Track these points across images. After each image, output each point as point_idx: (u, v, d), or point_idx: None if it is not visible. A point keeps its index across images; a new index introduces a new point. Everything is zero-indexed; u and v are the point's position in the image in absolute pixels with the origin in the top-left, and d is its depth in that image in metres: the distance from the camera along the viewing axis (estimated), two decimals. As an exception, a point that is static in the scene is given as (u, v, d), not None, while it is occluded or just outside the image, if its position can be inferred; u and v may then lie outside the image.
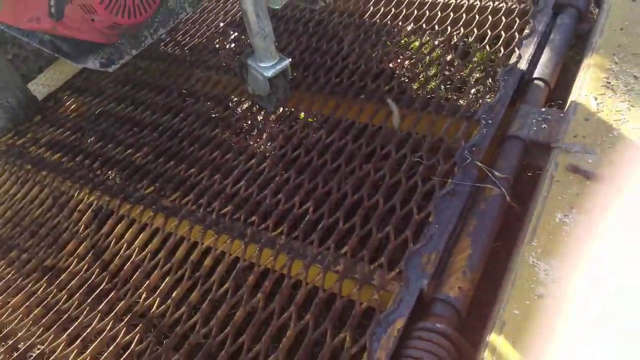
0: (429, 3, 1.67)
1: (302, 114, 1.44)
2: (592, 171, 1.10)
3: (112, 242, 1.22)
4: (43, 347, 1.03)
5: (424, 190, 1.14)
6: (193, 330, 0.99)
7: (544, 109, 1.29)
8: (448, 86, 1.49)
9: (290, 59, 1.29)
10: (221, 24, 1.91)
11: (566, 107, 1.28)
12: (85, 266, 1.18)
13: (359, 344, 0.89)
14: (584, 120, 1.22)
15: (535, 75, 1.38)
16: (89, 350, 0.98)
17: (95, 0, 1.14)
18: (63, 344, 1.01)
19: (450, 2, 1.66)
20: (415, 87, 1.45)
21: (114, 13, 1.19)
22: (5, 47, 1.81)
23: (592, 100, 1.27)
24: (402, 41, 1.68)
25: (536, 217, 1.03)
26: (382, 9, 1.73)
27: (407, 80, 1.49)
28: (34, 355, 1.03)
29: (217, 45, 1.83)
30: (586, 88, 1.29)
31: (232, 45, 1.80)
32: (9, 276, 1.23)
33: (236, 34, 1.84)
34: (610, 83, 1.30)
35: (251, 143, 1.40)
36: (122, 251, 1.18)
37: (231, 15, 1.92)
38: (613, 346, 0.80)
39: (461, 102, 1.37)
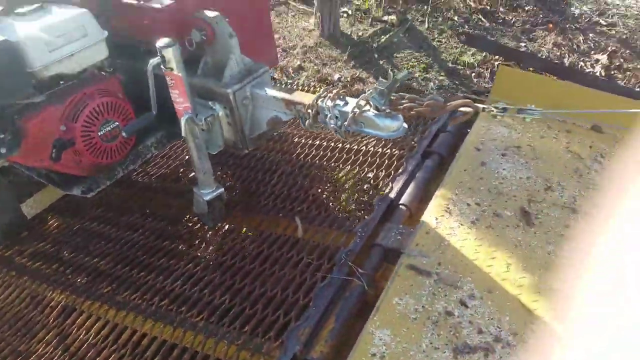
0: (339, 147, 2.30)
1: (234, 228, 1.93)
2: (424, 269, 1.59)
3: (74, 330, 1.58)
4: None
5: (310, 283, 1.59)
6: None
7: (402, 226, 1.82)
8: (343, 206, 2.03)
9: (223, 188, 1.81)
10: (186, 157, 2.45)
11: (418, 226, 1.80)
12: (51, 349, 1.53)
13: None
14: (425, 234, 1.74)
15: (401, 202, 1.93)
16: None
17: (84, 148, 1.68)
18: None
19: (354, 147, 2.30)
20: (316, 209, 1.97)
21: (97, 156, 1.72)
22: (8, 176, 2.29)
23: (433, 219, 1.80)
24: (317, 174, 2.26)
25: (380, 300, 1.48)
26: (307, 149, 2.34)
27: (311, 204, 2.01)
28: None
29: (180, 175, 2.36)
30: (432, 211, 1.83)
31: (191, 175, 2.32)
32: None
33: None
34: (449, 208, 1.85)
35: (191, 251, 1.85)
36: (81, 336, 1.55)
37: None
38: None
39: (347, 222, 1.89)
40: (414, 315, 1.43)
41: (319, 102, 1.55)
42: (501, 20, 3.80)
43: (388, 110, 1.39)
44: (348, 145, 2.33)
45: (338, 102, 1.53)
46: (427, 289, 1.51)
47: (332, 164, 2.24)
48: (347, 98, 1.55)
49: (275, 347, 1.38)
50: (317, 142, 2.39)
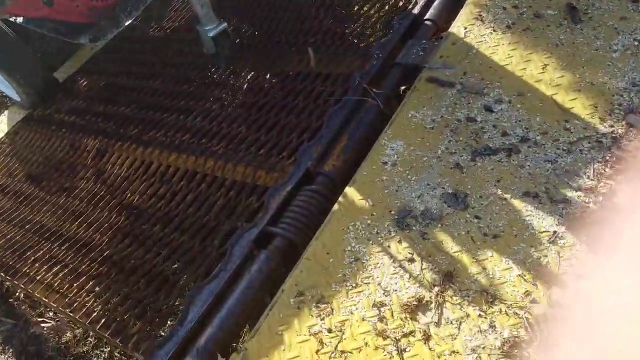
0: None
1: (248, 67, 1.86)
2: (447, 80, 1.45)
3: (109, 167, 1.69)
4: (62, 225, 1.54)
5: (324, 107, 1.53)
6: (161, 210, 1.45)
7: (424, 41, 1.64)
8: (360, 32, 1.86)
9: (226, 23, 1.70)
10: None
11: (443, 38, 1.62)
12: (91, 184, 1.67)
13: (260, 200, 1.30)
14: (451, 45, 1.56)
15: (427, 17, 1.73)
16: (91, 228, 1.46)
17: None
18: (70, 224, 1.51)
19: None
20: (330, 39, 1.82)
21: (89, -2, 1.66)
22: (33, 44, 2.34)
23: (462, 29, 1.61)
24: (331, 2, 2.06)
25: (395, 115, 1.40)
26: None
27: (325, 34, 1.86)
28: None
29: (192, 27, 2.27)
30: (461, 21, 1.63)
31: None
32: (41, 194, 1.74)
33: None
34: (481, 15, 1.63)
35: (208, 92, 1.83)
36: (115, 171, 1.66)
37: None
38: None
39: (365, 44, 1.74)
40: (430, 126, 1.35)
41: None
42: None
43: None
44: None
45: None
46: (448, 100, 1.40)
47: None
48: None
49: (289, 164, 1.38)
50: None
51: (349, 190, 1.24)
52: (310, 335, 1.00)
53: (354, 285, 1.06)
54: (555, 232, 1.05)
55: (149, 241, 1.36)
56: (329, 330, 1.00)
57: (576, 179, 1.15)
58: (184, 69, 2.00)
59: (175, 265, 1.26)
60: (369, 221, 1.17)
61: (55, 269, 1.41)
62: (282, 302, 1.06)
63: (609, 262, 0.96)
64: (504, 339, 0.93)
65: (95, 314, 1.23)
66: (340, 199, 1.23)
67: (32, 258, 1.47)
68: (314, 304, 1.05)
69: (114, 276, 1.31)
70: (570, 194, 1.12)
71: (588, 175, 1.15)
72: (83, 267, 1.37)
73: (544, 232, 1.06)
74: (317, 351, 0.98)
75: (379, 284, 1.06)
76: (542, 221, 1.08)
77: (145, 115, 1.83)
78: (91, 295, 1.28)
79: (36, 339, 1.48)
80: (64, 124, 2.02)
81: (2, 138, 2.13)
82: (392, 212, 1.17)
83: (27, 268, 1.46)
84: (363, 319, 1.01)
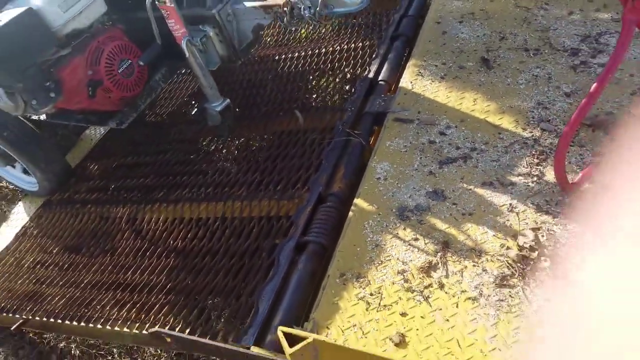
0: (312, 54, 2.61)
1: (245, 134, 2.29)
2: (407, 119, 1.96)
3: (145, 226, 1.98)
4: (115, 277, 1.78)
5: (319, 150, 1.97)
6: (206, 246, 1.75)
7: (383, 95, 2.17)
8: (331, 96, 2.38)
9: (229, 99, 2.15)
10: (185, 97, 2.79)
11: (397, 91, 2.16)
12: (131, 241, 1.93)
13: (289, 221, 1.67)
14: (404, 95, 2.10)
15: (380, 78, 2.28)
16: (146, 272, 1.73)
17: (111, 85, 2.01)
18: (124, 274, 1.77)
19: (328, 49, 2.61)
20: (308, 103, 2.32)
21: (121, 90, 2.05)
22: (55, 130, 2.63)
23: (409, 83, 2.15)
24: (302, 78, 2.59)
25: (376, 146, 1.86)
26: (288, 63, 2.65)
27: (306, 100, 2.36)
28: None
29: (184, 110, 2.69)
30: (407, 78, 2.18)
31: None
32: (84, 260, 1.97)
33: (194, 100, 2.73)
34: (420, 72, 2.20)
35: (216, 154, 2.22)
36: (152, 227, 1.95)
37: (192, 88, 2.82)
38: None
39: (337, 104, 2.25)
40: (404, 150, 1.81)
41: (291, -1, 1.86)
42: None
43: (348, -12, 1.71)
44: (323, 50, 2.64)
45: (306, -6, 1.84)
46: (412, 131, 1.89)
47: (314, 67, 2.56)
48: (312, -10, 1.86)
49: (304, 192, 1.77)
50: (295, 54, 2.70)
51: (358, 201, 1.65)
52: (358, 300, 1.35)
53: (379, 262, 1.44)
54: (510, 203, 1.51)
55: (204, 270, 1.65)
56: (371, 294, 1.35)
57: (516, 169, 1.63)
58: (187, 143, 2.38)
59: (235, 280, 1.56)
60: (378, 219, 1.57)
61: (128, 306, 1.64)
62: (331, 283, 1.40)
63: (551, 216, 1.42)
64: (494, 275, 1.33)
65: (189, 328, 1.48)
66: (352, 207, 1.63)
67: (99, 306, 1.69)
68: (354, 280, 1.40)
69: (183, 299, 1.56)
70: (514, 178, 1.60)
71: (523, 165, 1.64)
72: (152, 300, 1.61)
73: (502, 205, 1.51)
74: (366, 309, 1.32)
75: (398, 258, 1.44)
76: (499, 199, 1.54)
77: (166, 182, 2.16)
78: (176, 318, 1.52)
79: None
80: (88, 201, 2.28)
81: (26, 224, 2.34)
82: (394, 210, 1.58)
83: (97, 313, 1.67)
84: (393, 283, 1.37)
